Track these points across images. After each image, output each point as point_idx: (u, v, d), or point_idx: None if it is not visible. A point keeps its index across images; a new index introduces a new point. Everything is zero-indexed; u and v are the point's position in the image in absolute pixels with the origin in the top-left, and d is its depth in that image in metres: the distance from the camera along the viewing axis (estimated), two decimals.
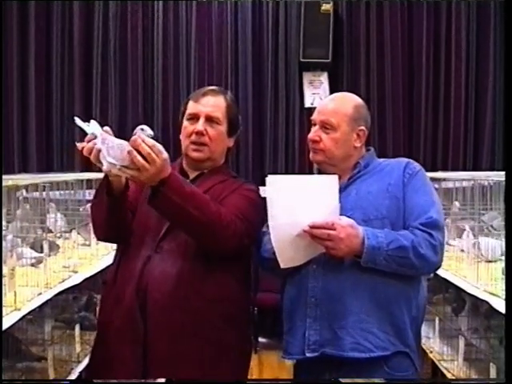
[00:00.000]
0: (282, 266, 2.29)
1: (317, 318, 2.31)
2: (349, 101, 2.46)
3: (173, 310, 2.26)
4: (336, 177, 2.31)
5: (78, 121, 2.13)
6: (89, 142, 2.10)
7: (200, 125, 2.41)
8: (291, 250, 2.26)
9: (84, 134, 2.14)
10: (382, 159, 2.51)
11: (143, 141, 2.07)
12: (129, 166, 2.08)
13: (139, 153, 2.06)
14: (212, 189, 2.37)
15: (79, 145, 2.13)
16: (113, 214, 2.27)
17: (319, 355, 2.30)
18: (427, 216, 2.29)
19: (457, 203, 4.09)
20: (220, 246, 2.25)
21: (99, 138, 2.09)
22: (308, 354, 2.31)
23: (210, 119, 2.42)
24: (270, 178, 2.28)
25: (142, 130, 2.16)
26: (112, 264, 2.49)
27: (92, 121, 2.14)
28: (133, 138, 2.10)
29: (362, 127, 2.43)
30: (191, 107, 2.46)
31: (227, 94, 2.51)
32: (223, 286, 2.31)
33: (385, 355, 2.29)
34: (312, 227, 2.21)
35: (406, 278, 2.32)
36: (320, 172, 2.48)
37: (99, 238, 2.57)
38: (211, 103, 2.44)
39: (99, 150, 2.07)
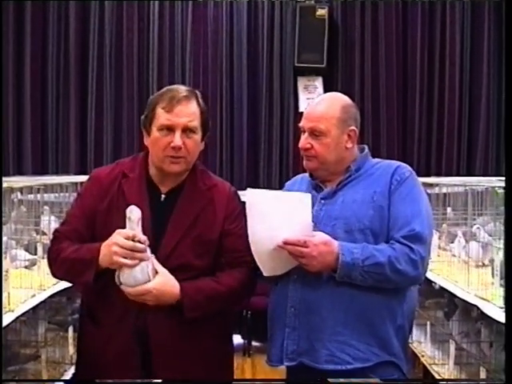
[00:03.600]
0: (265, 274, 2.29)
1: (295, 328, 2.28)
2: (336, 102, 2.36)
3: (172, 327, 2.23)
4: (309, 195, 2.26)
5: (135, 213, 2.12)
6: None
7: (177, 139, 2.19)
8: (271, 261, 2.26)
9: None
10: (375, 160, 2.43)
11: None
12: None
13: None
14: (198, 221, 2.27)
15: (130, 235, 2.10)
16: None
17: (297, 364, 2.28)
18: (410, 228, 2.21)
19: (449, 209, 4.11)
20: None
21: (149, 251, 2.14)
22: (286, 363, 2.30)
23: (186, 129, 2.22)
24: (248, 192, 2.27)
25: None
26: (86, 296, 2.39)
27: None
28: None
29: (353, 127, 2.34)
30: (163, 117, 2.21)
31: (197, 94, 2.28)
32: None
33: (367, 366, 2.24)
34: (285, 243, 2.19)
35: (388, 288, 2.24)
36: (312, 177, 2.42)
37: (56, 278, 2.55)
38: (186, 112, 2.22)
39: (147, 259, 2.12)
